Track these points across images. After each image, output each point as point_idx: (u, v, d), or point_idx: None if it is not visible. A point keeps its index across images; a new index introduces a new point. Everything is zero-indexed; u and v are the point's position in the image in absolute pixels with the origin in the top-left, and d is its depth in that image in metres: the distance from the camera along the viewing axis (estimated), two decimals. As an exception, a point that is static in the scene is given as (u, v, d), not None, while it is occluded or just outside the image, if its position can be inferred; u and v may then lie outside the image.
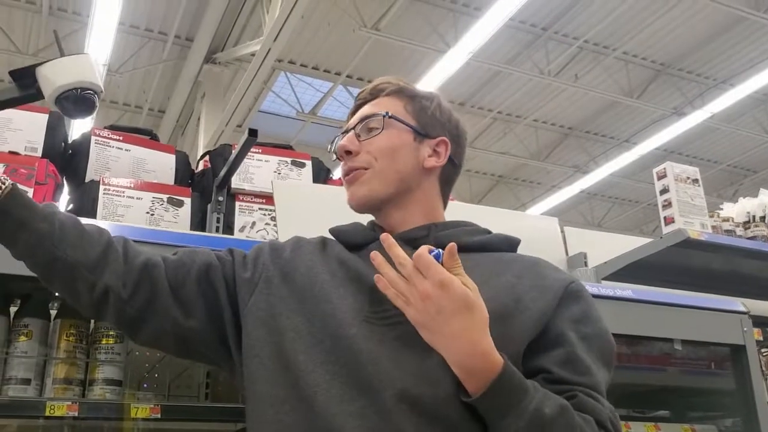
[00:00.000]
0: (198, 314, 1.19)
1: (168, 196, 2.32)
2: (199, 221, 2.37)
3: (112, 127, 2.48)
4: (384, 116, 1.26)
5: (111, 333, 1.71)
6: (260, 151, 2.61)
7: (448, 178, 1.31)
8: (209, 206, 2.42)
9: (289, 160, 2.66)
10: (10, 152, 2.17)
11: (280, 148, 2.72)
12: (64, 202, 2.31)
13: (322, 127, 11.15)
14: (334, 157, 1.31)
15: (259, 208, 2.50)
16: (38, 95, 1.17)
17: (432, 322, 0.99)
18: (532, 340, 1.09)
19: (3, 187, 1.07)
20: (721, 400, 2.34)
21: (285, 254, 1.25)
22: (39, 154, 2.22)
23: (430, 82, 8.84)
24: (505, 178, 13.09)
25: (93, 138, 2.37)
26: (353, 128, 1.28)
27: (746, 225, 2.54)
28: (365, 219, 1.31)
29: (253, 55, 7.48)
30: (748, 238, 2.48)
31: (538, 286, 1.14)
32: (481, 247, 1.22)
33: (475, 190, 13.01)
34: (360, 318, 1.11)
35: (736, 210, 2.61)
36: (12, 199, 1.09)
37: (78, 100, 1.15)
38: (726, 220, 2.51)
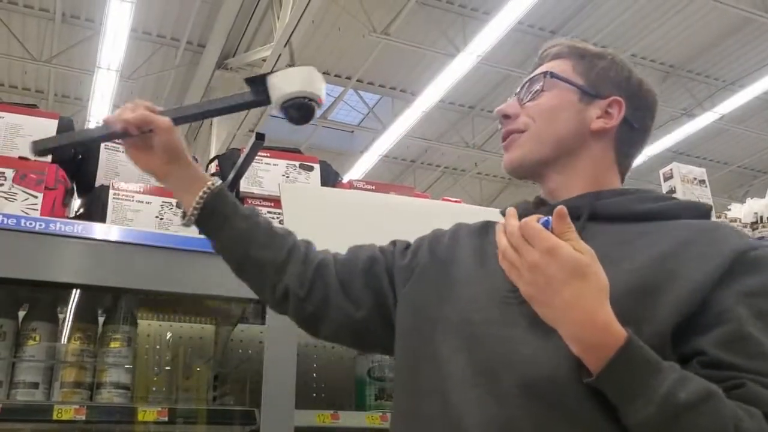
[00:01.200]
0: (366, 306, 1.21)
1: (177, 200, 2.33)
2: (207, 225, 2.38)
3: (122, 133, 2.49)
4: (545, 76, 1.17)
5: (118, 336, 1.72)
6: (268, 155, 2.62)
7: (626, 142, 1.17)
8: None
9: (297, 163, 2.67)
10: (20, 158, 2.18)
11: (289, 151, 2.73)
12: (74, 207, 2.33)
13: (333, 131, 11.18)
14: (499, 126, 1.22)
15: (268, 212, 2.50)
16: (267, 101, 1.30)
17: (542, 294, 0.90)
18: (686, 319, 0.93)
19: (213, 186, 1.21)
20: None
21: (443, 242, 1.22)
22: (49, 159, 2.23)
23: (440, 85, 8.86)
24: (514, 181, 13.04)
25: (102, 143, 2.38)
26: (518, 92, 1.20)
27: (754, 226, 2.53)
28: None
29: (264, 60, 7.51)
30: (757, 239, 2.47)
31: (704, 254, 0.97)
32: (651, 215, 1.07)
33: (486, 193, 12.99)
34: (497, 299, 1.04)
35: (743, 211, 2.60)
36: (221, 198, 1.21)
37: (301, 108, 1.28)
38: (733, 221, 2.51)
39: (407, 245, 1.27)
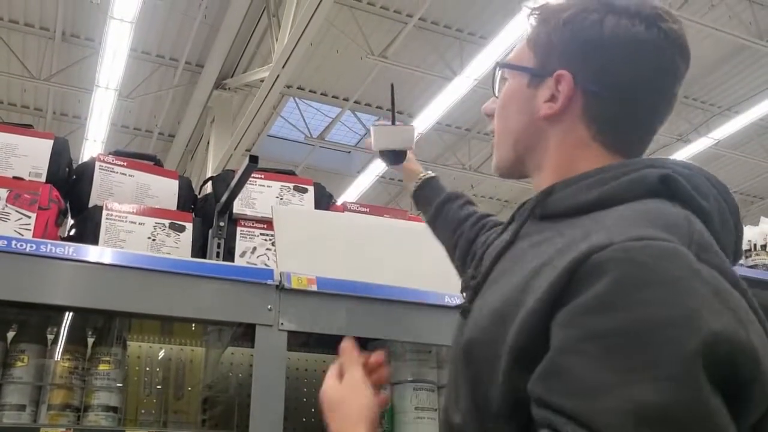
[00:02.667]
0: None
1: (170, 221, 2.34)
2: (200, 247, 2.38)
3: (117, 153, 2.51)
4: (496, 68, 1.05)
5: (107, 359, 1.71)
6: (262, 176, 2.62)
7: (603, 113, 0.93)
8: (210, 231, 2.44)
9: (291, 185, 2.67)
10: (15, 177, 2.19)
11: (283, 173, 2.73)
12: (67, 227, 2.33)
13: (330, 152, 11.21)
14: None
15: (261, 234, 2.51)
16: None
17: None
18: (526, 350, 0.76)
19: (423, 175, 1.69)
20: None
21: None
22: (43, 179, 2.24)
23: (436, 107, 8.91)
24: (511, 203, 13.08)
25: (97, 163, 2.39)
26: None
27: (747, 253, 2.53)
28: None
29: (262, 81, 7.56)
30: (749, 267, 2.48)
31: (552, 267, 0.78)
32: (598, 205, 0.85)
33: (483, 215, 12.99)
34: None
35: (737, 238, 2.60)
36: (430, 182, 1.66)
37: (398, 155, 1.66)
38: (726, 249, 2.51)
39: None
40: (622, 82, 0.92)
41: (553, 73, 0.94)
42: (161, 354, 2.11)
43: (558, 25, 0.94)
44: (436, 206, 1.55)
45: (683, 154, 10.36)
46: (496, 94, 1.05)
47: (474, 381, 0.84)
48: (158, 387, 2.01)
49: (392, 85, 1.63)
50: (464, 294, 1.00)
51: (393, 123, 1.58)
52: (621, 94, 0.93)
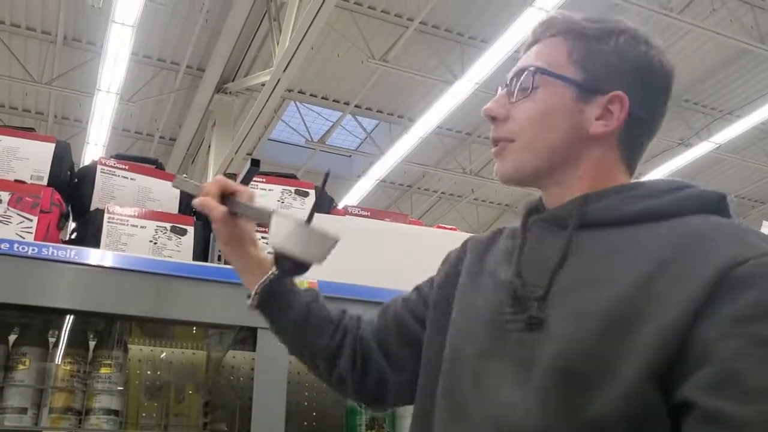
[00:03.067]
0: (411, 366, 1.11)
1: (171, 224, 2.34)
2: (201, 250, 2.38)
3: (118, 156, 2.51)
4: (534, 73, 1.00)
5: (109, 362, 1.71)
6: (264, 180, 2.63)
7: (633, 136, 1.01)
8: (212, 235, 2.44)
9: (292, 189, 2.67)
10: (16, 180, 2.19)
11: (284, 177, 2.74)
12: (68, 230, 2.33)
13: (331, 156, 11.22)
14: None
15: (262, 237, 2.50)
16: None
17: None
18: (668, 364, 0.77)
19: (274, 270, 1.16)
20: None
21: (448, 263, 1.15)
22: (45, 182, 2.24)
23: (437, 111, 8.92)
24: (512, 207, 13.09)
25: (99, 167, 2.39)
26: (507, 84, 1.04)
27: (748, 258, 2.52)
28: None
29: (263, 85, 7.57)
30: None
31: (683, 277, 0.80)
32: (648, 216, 0.91)
33: (483, 219, 13.01)
34: (486, 328, 0.96)
35: (738, 243, 2.59)
36: (281, 284, 1.18)
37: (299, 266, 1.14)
38: (727, 253, 2.50)
39: (424, 286, 1.19)
40: (658, 110, 1.02)
41: (608, 93, 0.98)
42: (162, 357, 2.11)
43: (616, 47, 0.99)
44: (303, 307, 1.19)
45: (684, 158, 10.37)
46: (517, 98, 1.02)
47: (575, 395, 0.82)
48: (159, 391, 2.01)
49: (327, 174, 1.24)
50: (511, 305, 0.93)
51: (309, 220, 1.11)
52: (655, 122, 1.02)
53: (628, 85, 0.98)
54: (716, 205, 0.92)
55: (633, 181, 1.01)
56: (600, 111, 0.98)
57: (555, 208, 1.00)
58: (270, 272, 1.17)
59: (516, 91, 1.02)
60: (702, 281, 0.78)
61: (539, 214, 1.02)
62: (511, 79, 1.03)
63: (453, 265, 1.12)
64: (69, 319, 1.81)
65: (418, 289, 1.20)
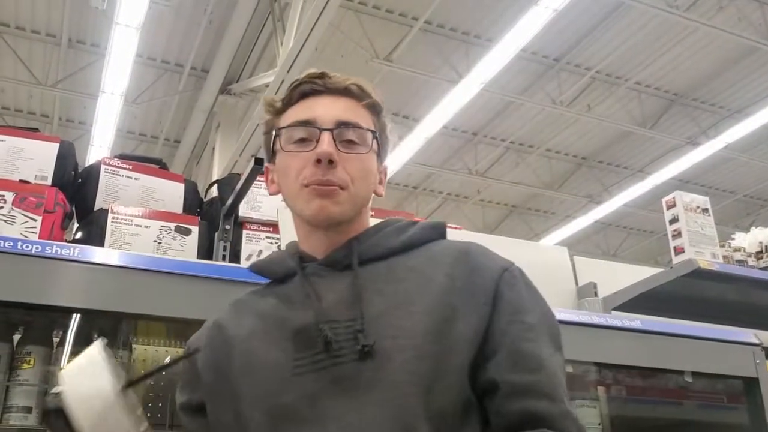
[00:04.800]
0: None
1: (176, 224, 2.33)
2: (206, 250, 2.37)
3: (122, 156, 2.50)
4: (375, 136, 1.14)
5: (114, 361, 1.70)
6: (268, 179, 2.61)
7: None
8: (216, 234, 2.43)
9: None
10: (21, 180, 2.19)
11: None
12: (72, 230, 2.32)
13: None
14: (314, 158, 1.09)
15: (266, 237, 2.50)
16: None
17: None
18: (478, 355, 0.99)
19: None
20: (734, 434, 2.29)
21: (202, 357, 1.13)
22: (49, 182, 2.24)
23: (442, 111, 8.90)
24: (518, 208, 13.06)
25: (103, 167, 2.39)
26: (331, 130, 1.10)
27: (759, 255, 2.51)
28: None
29: (267, 86, 7.56)
30: (761, 269, 2.45)
31: (470, 288, 1.03)
32: (409, 246, 1.12)
33: (488, 220, 12.98)
34: (288, 374, 1.00)
35: (748, 240, 2.58)
36: None
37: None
38: (738, 250, 2.49)
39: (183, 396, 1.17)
40: None
41: (383, 163, 1.20)
42: (167, 357, 2.09)
43: (391, 130, 1.21)
44: None
45: (693, 157, 10.33)
46: (343, 148, 1.10)
47: (424, 395, 0.95)
48: (163, 391, 1.99)
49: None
50: (330, 342, 1.00)
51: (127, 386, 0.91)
52: None
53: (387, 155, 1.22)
54: (444, 232, 1.17)
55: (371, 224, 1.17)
56: (379, 177, 1.18)
57: (332, 251, 1.11)
58: None
59: (346, 143, 1.10)
60: (487, 290, 1.03)
61: (311, 262, 1.11)
62: (339, 128, 1.10)
63: (214, 346, 1.12)
64: (74, 318, 1.80)
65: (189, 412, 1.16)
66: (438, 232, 1.16)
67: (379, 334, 0.98)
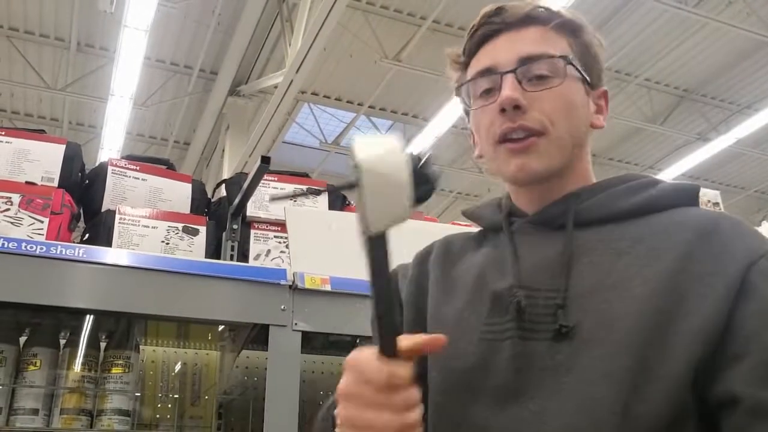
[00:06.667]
0: None
1: (183, 224, 2.32)
2: (214, 250, 2.36)
3: (129, 157, 2.50)
4: (566, 61, 0.95)
5: (120, 362, 1.69)
6: (276, 179, 2.61)
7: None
8: (224, 234, 2.42)
9: (305, 187, 2.65)
10: (27, 182, 2.18)
11: (297, 176, 2.71)
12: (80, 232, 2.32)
13: (345, 157, 11.20)
14: (498, 108, 0.94)
15: (275, 236, 2.49)
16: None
17: None
18: (709, 356, 0.79)
19: None
20: None
21: (406, 289, 1.04)
22: (55, 184, 2.23)
23: (452, 110, 8.86)
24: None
25: (110, 168, 2.38)
26: (512, 70, 0.94)
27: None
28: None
29: (276, 87, 7.56)
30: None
31: (708, 274, 0.82)
32: (641, 210, 0.92)
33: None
34: (475, 338, 0.90)
35: (760, 235, 2.54)
36: None
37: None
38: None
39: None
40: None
41: (597, 88, 1.01)
42: (176, 358, 2.09)
43: (599, 46, 1.01)
44: None
45: (703, 153, 10.25)
46: (531, 87, 0.94)
47: (622, 397, 0.80)
48: (172, 393, 1.99)
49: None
50: (523, 312, 0.88)
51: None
52: None
53: (602, 82, 1.02)
54: (696, 197, 0.96)
55: (612, 177, 0.99)
56: (594, 106, 1.00)
57: (544, 207, 0.96)
58: None
59: (535, 80, 0.94)
60: (729, 277, 0.80)
61: (521, 217, 0.98)
62: (521, 66, 0.95)
63: (416, 282, 1.03)
64: (80, 320, 1.80)
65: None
66: (688, 195, 0.95)
67: (582, 315, 0.84)
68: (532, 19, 0.98)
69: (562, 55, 0.95)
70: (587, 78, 0.98)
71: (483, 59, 0.99)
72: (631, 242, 0.88)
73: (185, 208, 2.45)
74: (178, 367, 2.08)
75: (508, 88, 0.93)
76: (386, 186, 0.73)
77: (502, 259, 0.95)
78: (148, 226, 2.26)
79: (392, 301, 0.78)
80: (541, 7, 0.99)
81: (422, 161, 0.79)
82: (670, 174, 10.76)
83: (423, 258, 1.06)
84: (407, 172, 0.73)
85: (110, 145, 9.05)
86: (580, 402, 0.81)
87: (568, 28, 0.99)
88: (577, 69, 0.97)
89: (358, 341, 1.78)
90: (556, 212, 0.95)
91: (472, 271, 0.97)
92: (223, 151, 9.27)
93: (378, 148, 0.74)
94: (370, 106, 9.78)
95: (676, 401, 0.78)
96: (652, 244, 0.87)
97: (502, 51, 0.97)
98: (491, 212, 1.03)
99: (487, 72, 0.97)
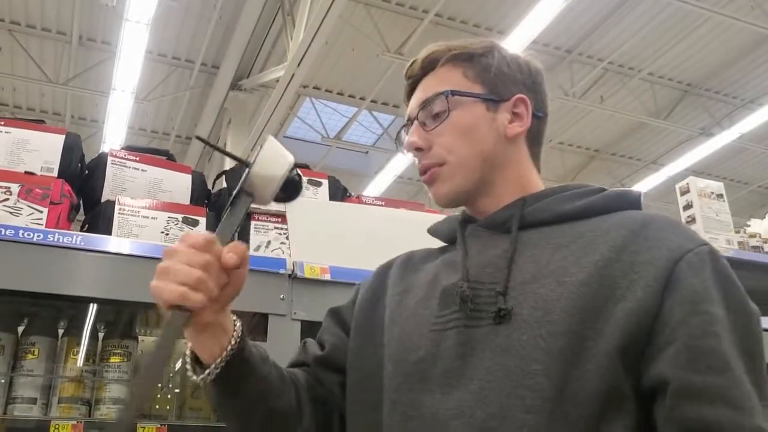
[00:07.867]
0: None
1: (183, 215, 2.31)
2: (214, 241, 2.35)
3: (129, 148, 2.49)
4: (446, 96, 1.07)
5: (119, 351, 1.69)
6: (276, 170, 2.59)
7: (536, 135, 1.13)
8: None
9: (306, 179, 2.64)
10: (26, 172, 2.18)
11: (297, 166, 2.70)
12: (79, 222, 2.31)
13: (347, 152, 11.20)
14: (406, 152, 1.14)
15: (275, 227, 2.48)
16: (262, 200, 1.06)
17: None
18: (637, 342, 0.86)
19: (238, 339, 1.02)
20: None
21: (360, 295, 1.15)
22: (55, 174, 2.22)
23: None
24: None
25: (109, 158, 2.37)
26: (416, 117, 1.10)
27: (775, 242, 2.46)
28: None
29: (278, 81, 7.55)
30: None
31: (642, 262, 0.90)
32: (583, 213, 1.01)
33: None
34: (426, 330, 0.98)
35: (763, 226, 2.53)
36: (241, 352, 1.02)
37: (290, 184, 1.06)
38: (753, 236, 2.44)
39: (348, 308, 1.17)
40: (547, 107, 1.14)
41: (510, 98, 1.09)
42: (175, 348, 2.08)
43: (506, 58, 1.11)
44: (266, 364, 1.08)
45: (706, 148, 10.22)
46: (435, 125, 1.08)
47: (559, 372, 0.86)
48: (170, 383, 1.98)
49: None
50: (466, 301, 0.96)
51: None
52: (547, 119, 1.14)
53: (525, 88, 1.10)
54: (638, 202, 1.04)
55: (558, 185, 1.09)
56: (509, 115, 1.08)
57: (494, 212, 1.06)
58: (234, 333, 1.02)
59: (431, 119, 1.08)
60: (659, 267, 0.88)
61: (475, 222, 1.08)
62: (420, 111, 1.09)
63: (373, 289, 1.13)
64: (81, 309, 1.79)
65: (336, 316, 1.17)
66: (627, 200, 1.04)
67: (522, 299, 0.92)
68: (431, 62, 1.12)
69: (443, 91, 1.07)
70: (491, 96, 1.08)
71: (408, 110, 1.15)
72: (572, 238, 0.97)
73: (185, 199, 2.44)
74: (176, 357, 2.07)
75: (411, 135, 1.10)
76: (269, 168, 1.03)
77: (455, 260, 1.04)
78: (148, 217, 2.26)
79: (235, 225, 1.02)
80: (428, 55, 1.12)
81: (295, 172, 1.05)
82: (673, 169, 10.74)
83: (384, 269, 1.17)
84: (284, 172, 1.03)
85: (112, 139, 9.07)
86: (517, 380, 0.87)
87: (462, 58, 1.10)
88: (465, 95, 1.07)
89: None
90: (504, 216, 1.04)
91: (429, 275, 1.07)
92: (225, 145, 9.27)
93: (280, 151, 1.04)
94: (372, 101, 9.77)
95: (610, 380, 0.84)
96: (591, 239, 0.95)
97: (413, 101, 1.13)
98: (449, 224, 1.14)
99: (408, 122, 1.13)
